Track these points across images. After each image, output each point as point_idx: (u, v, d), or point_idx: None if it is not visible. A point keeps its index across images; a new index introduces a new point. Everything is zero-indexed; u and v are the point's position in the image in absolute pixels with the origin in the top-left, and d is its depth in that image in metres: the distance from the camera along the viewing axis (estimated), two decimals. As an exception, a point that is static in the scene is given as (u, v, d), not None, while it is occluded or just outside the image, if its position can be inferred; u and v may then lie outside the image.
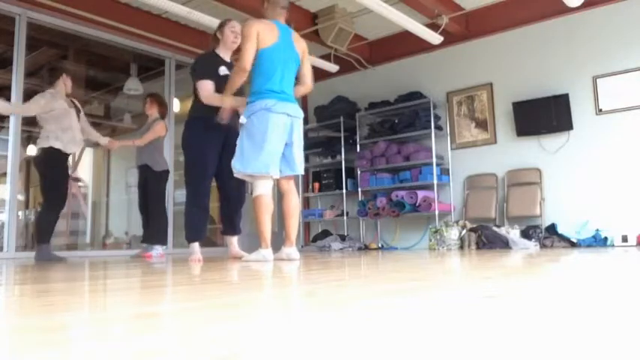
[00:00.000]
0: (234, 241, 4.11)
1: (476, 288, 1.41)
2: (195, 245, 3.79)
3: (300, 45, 3.56)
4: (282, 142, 3.40)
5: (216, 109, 3.65)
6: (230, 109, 3.58)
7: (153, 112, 5.10)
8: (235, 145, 3.45)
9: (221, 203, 4.13)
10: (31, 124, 8.03)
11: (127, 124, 8.68)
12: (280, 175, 3.47)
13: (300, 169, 3.54)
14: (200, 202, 3.81)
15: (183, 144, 3.85)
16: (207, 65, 3.78)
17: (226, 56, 3.93)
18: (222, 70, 3.79)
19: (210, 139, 3.78)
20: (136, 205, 5.12)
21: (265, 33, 3.36)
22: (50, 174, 4.29)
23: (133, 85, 7.43)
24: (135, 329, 0.82)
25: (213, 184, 4.00)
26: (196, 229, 3.84)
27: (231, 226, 4.12)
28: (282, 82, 3.40)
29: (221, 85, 3.66)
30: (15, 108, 4.91)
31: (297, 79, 3.60)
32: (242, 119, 3.39)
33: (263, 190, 3.40)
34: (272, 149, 3.33)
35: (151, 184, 4.89)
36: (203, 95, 3.66)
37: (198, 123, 3.80)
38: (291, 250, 3.52)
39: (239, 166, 3.39)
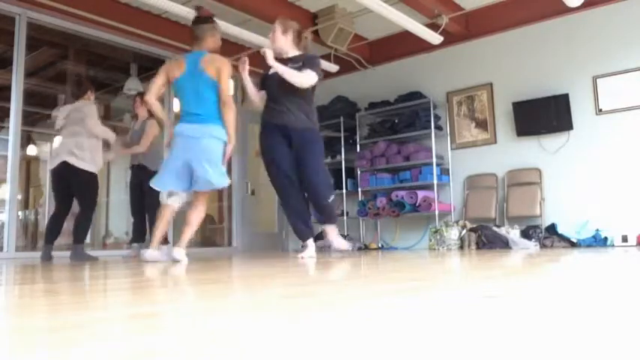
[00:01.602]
0: (329, 230, 4.11)
1: (476, 288, 1.41)
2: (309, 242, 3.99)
3: (212, 67, 3.64)
4: (179, 159, 3.60)
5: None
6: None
7: (143, 111, 5.09)
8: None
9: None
10: (31, 124, 8.05)
11: (126, 124, 8.68)
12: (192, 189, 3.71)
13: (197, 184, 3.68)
14: (283, 203, 4.07)
15: None
16: None
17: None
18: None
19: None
20: None
21: (172, 69, 3.69)
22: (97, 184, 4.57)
23: (133, 85, 7.43)
24: (135, 329, 0.82)
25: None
26: (297, 230, 4.06)
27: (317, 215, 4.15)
28: (191, 106, 3.64)
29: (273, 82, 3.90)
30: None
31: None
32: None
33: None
34: (170, 165, 3.65)
35: (147, 185, 4.87)
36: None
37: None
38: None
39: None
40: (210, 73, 3.57)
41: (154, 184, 3.66)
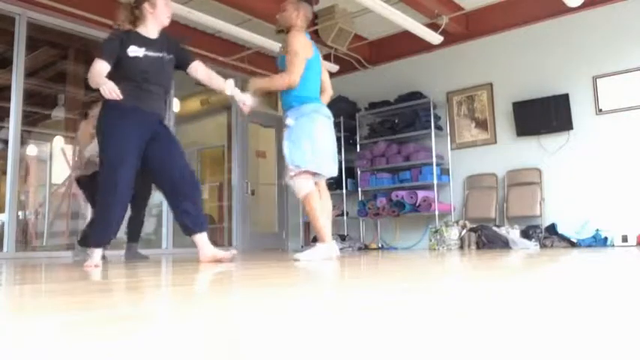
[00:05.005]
0: (204, 239, 3.38)
1: (476, 288, 1.41)
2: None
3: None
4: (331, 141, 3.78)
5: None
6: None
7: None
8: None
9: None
10: (31, 124, 8.04)
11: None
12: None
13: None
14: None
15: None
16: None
17: (152, 33, 3.39)
18: (134, 51, 3.26)
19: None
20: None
21: (307, 46, 3.59)
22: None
23: (133, 85, 7.41)
24: (134, 329, 0.82)
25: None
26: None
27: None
28: (317, 89, 3.74)
29: (135, 66, 3.21)
30: None
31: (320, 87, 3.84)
32: (289, 121, 3.57)
33: (311, 187, 3.50)
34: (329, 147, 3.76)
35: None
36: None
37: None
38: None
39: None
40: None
41: (321, 169, 3.56)
